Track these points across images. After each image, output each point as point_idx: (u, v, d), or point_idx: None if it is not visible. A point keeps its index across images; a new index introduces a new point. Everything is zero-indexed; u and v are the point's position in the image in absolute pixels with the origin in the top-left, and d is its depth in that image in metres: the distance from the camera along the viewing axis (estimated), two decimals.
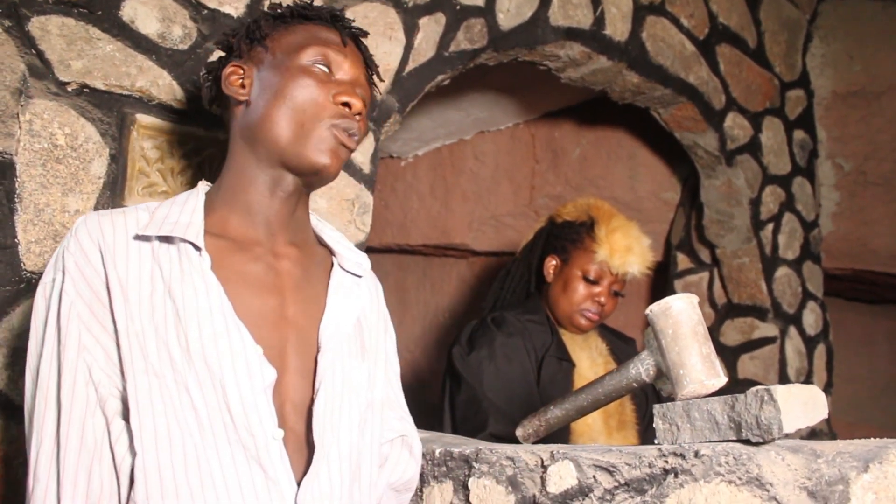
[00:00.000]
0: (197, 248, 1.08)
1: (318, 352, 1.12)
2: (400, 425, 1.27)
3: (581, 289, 2.16)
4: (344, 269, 1.23)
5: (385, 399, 1.25)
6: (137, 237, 1.08)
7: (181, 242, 1.08)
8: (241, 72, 1.19)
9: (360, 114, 1.16)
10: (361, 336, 1.21)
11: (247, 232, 1.15)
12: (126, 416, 1.02)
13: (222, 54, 1.27)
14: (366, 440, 1.16)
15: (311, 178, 1.17)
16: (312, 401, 1.09)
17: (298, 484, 1.04)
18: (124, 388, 1.02)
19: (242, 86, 1.18)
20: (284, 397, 1.08)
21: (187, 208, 1.13)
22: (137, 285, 1.04)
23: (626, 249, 2.14)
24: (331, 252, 1.25)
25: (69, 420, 0.99)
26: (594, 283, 2.16)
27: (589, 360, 2.19)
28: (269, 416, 1.03)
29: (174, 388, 1.01)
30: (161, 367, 1.01)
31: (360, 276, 1.24)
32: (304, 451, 1.08)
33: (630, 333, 2.51)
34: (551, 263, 2.25)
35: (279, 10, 1.23)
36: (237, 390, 1.02)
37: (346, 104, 1.14)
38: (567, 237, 2.24)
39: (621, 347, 2.31)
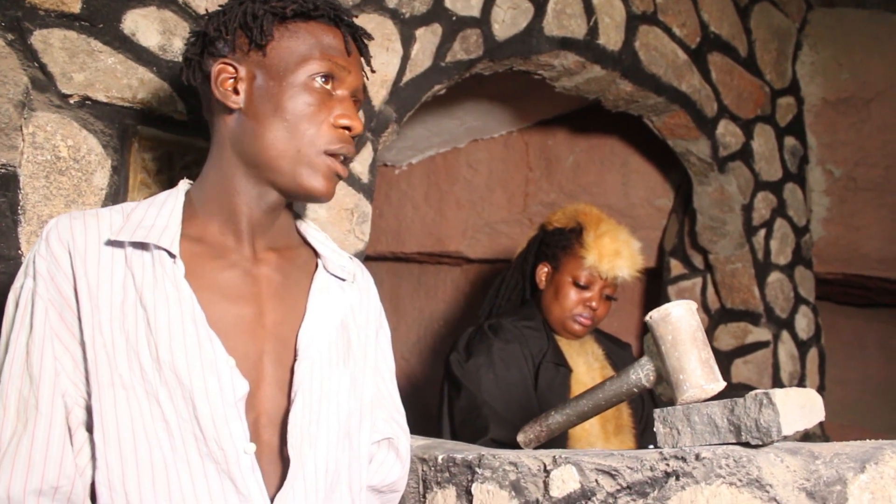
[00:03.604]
0: (171, 255, 1.04)
1: (295, 360, 1.09)
2: (387, 427, 1.24)
3: (572, 294, 2.19)
4: (328, 271, 1.18)
5: (375, 399, 1.22)
6: (110, 242, 1.04)
7: (156, 249, 1.04)
8: (233, 71, 1.09)
9: (358, 135, 1.12)
10: (346, 339, 1.17)
11: (226, 239, 1.11)
12: (90, 426, 1.00)
13: (201, 29, 1.15)
14: (350, 448, 1.13)
15: (304, 201, 1.15)
16: (287, 412, 1.06)
17: (273, 498, 1.02)
18: (89, 397, 1.00)
19: (235, 91, 1.09)
20: (260, 410, 1.05)
21: (165, 211, 1.09)
22: (109, 292, 1.01)
23: (614, 253, 2.16)
24: (316, 253, 1.21)
25: (34, 428, 0.98)
26: (585, 288, 2.18)
27: (585, 365, 2.21)
28: (241, 430, 1.00)
29: (144, 399, 0.98)
30: (131, 378, 0.99)
31: (344, 280, 1.20)
32: (279, 464, 1.06)
33: (625, 338, 2.53)
34: (543, 270, 2.28)
35: (277, 5, 1.09)
36: (207, 403, 0.99)
37: (346, 127, 1.10)
38: (557, 244, 2.26)
39: (617, 352, 2.33)
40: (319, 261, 1.19)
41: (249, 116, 1.08)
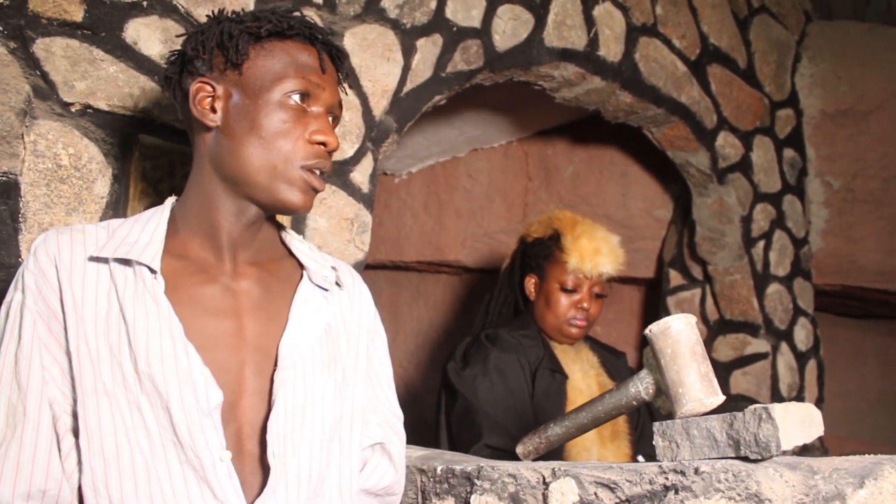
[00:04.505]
0: (152, 270, 1.07)
1: (275, 370, 1.10)
2: (380, 432, 1.25)
3: (563, 300, 2.21)
4: (313, 282, 1.20)
5: (369, 404, 1.23)
6: (94, 258, 1.07)
7: (137, 265, 1.07)
8: (211, 90, 1.12)
9: (333, 150, 1.14)
10: (333, 346, 1.18)
11: (207, 254, 1.14)
12: (77, 432, 1.03)
13: (180, 48, 1.17)
14: (340, 453, 1.15)
15: (282, 213, 1.17)
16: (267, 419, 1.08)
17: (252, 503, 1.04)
18: (75, 404, 1.03)
19: (213, 109, 1.11)
20: (242, 420, 1.08)
21: (149, 227, 1.12)
22: (94, 304, 1.05)
23: (594, 252, 2.19)
24: (301, 265, 1.22)
25: (23, 434, 1.01)
26: (573, 291, 2.21)
27: (581, 372, 2.23)
28: (216, 438, 1.02)
29: (126, 407, 1.02)
30: (114, 386, 1.02)
31: (327, 290, 1.21)
32: (262, 471, 1.07)
33: (623, 348, 2.54)
34: (531, 282, 2.31)
35: (253, 25, 1.12)
36: (183, 413, 1.01)
37: (322, 143, 1.11)
38: (539, 254, 2.29)
39: (612, 361, 2.35)
40: (304, 272, 1.21)
41: (226, 134, 1.11)
